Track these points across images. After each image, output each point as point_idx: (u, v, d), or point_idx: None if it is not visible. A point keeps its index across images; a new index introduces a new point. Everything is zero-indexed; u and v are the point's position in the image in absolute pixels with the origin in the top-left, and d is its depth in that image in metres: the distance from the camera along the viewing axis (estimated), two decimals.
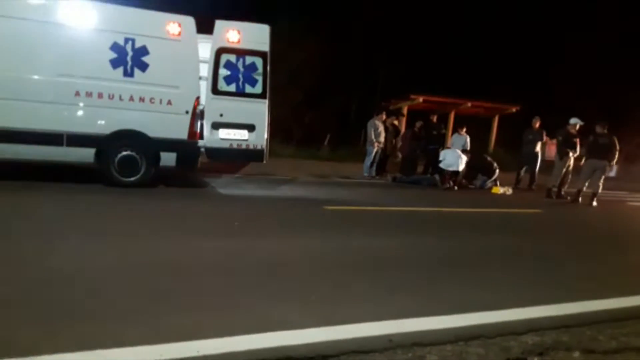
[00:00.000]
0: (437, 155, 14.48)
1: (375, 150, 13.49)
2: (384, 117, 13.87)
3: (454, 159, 12.14)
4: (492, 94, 23.09)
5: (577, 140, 11.64)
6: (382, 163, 14.17)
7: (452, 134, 16.26)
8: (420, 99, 20.23)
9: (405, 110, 20.90)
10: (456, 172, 12.13)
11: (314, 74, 25.19)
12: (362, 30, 27.53)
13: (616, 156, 11.18)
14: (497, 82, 27.23)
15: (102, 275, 3.95)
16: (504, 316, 3.77)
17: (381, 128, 13.56)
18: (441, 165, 12.35)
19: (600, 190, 11.41)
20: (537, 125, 13.45)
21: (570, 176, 11.99)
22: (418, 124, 14.48)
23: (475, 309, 3.84)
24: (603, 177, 11.26)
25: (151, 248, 4.87)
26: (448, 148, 13.49)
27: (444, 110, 21.25)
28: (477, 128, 21.70)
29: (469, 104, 20.93)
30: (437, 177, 12.88)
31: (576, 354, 3.26)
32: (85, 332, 2.91)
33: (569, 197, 11.78)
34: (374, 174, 13.72)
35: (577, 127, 11.65)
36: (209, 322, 3.20)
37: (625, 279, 5.20)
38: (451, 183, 12.13)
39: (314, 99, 25.98)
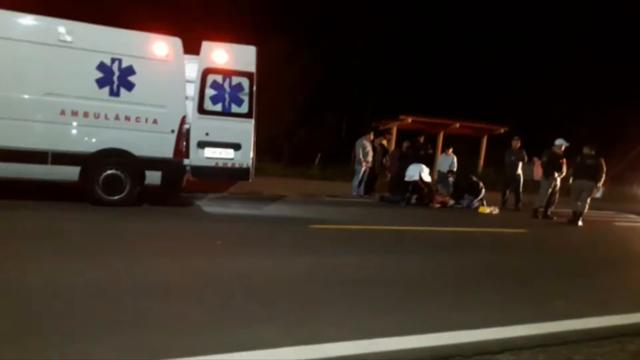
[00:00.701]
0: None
1: (363, 169, 13.56)
2: (371, 136, 13.97)
3: (415, 170, 12.47)
4: (482, 114, 23.37)
5: (563, 160, 11.76)
6: (371, 182, 14.22)
7: (441, 154, 16.39)
8: (410, 120, 20.39)
9: (394, 131, 21.07)
10: (416, 184, 12.39)
11: (305, 93, 25.39)
12: (354, 50, 27.83)
13: (603, 177, 11.30)
14: (487, 103, 27.55)
15: (74, 295, 3.93)
16: (480, 335, 3.77)
17: (369, 148, 13.65)
18: (405, 178, 12.62)
19: (586, 211, 11.51)
20: (518, 146, 13.59)
21: (557, 196, 12.08)
22: (405, 144, 14.58)
23: (453, 328, 3.85)
24: (589, 197, 11.39)
25: (131, 267, 4.84)
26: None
27: (433, 131, 21.43)
28: (467, 148, 21.96)
29: (458, 125, 21.11)
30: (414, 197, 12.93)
31: None
32: (56, 350, 2.91)
33: (555, 217, 11.88)
34: (362, 193, 13.77)
35: (563, 148, 11.77)
36: (181, 341, 3.19)
37: (604, 298, 5.22)
38: (413, 199, 12.50)
39: (305, 118, 26.14)
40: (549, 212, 11.87)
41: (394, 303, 4.44)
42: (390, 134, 18.76)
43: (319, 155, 22.51)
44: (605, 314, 4.51)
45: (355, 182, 13.72)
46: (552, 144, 11.93)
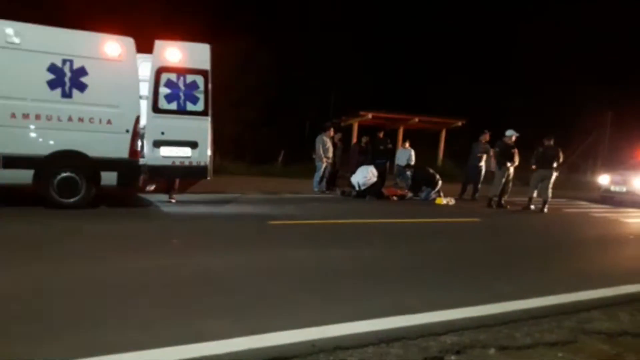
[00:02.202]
0: (385, 170, 14.89)
1: (324, 165, 13.69)
2: (332, 133, 14.10)
3: (358, 176, 12.82)
4: (441, 109, 23.87)
5: (515, 150, 12.19)
6: (332, 178, 14.38)
7: (399, 148, 16.66)
8: (370, 116, 20.69)
9: (355, 127, 21.34)
10: (360, 187, 12.71)
11: (266, 92, 25.36)
12: (314, 48, 27.95)
13: (560, 165, 12.10)
14: (446, 97, 28.11)
15: (28, 295, 3.94)
16: (425, 318, 3.96)
17: (329, 144, 13.78)
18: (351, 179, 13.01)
19: (550, 197, 12.17)
20: (485, 139, 13.93)
21: (510, 185, 12.49)
22: (364, 139, 14.79)
23: (402, 312, 4.03)
24: (550, 184, 12.06)
25: (85, 268, 4.86)
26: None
27: (393, 126, 21.78)
28: (426, 142, 22.41)
29: (417, 119, 21.52)
30: (384, 190, 13.19)
31: (492, 351, 3.46)
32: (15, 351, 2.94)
33: (508, 206, 12.30)
34: (323, 189, 13.90)
35: (513, 138, 12.20)
36: (133, 336, 3.26)
37: (546, 280, 5.50)
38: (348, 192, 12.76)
39: (267, 116, 26.12)
40: (502, 201, 12.26)
41: (346, 292, 4.59)
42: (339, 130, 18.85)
43: (281, 153, 22.56)
44: (545, 294, 4.78)
45: (317, 178, 13.83)
46: (504, 135, 12.35)
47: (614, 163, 20.34)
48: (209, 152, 8.84)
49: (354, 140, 18.78)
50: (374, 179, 12.78)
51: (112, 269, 4.90)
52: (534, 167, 12.31)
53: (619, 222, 11.42)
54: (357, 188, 12.76)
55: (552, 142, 12.13)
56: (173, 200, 9.54)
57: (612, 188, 15.94)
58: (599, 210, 13.36)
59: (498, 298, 4.57)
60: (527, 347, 3.56)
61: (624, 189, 15.54)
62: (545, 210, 12.00)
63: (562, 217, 11.90)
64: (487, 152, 13.72)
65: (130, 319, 3.58)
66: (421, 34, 29.90)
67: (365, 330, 3.64)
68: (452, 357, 3.32)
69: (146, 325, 3.48)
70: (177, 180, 9.57)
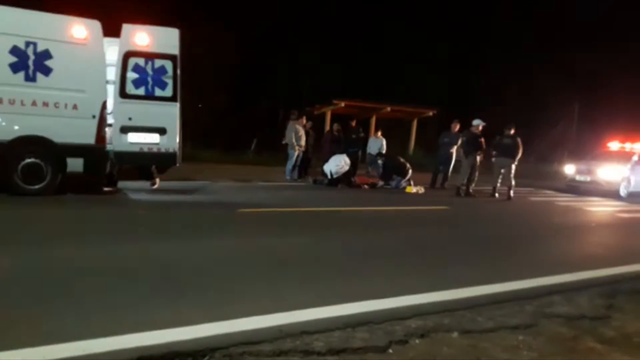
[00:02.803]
0: (357, 158, 14.96)
1: (296, 153, 13.67)
2: (304, 121, 14.08)
3: (330, 165, 12.91)
4: (414, 98, 24.03)
5: (482, 140, 12.39)
6: (304, 166, 14.38)
7: (371, 137, 16.72)
8: (343, 104, 20.70)
9: (328, 115, 21.33)
10: (333, 176, 12.79)
11: (238, 79, 25.11)
12: (287, 35, 27.75)
13: (519, 154, 12.35)
14: (418, 87, 28.29)
15: None
16: (391, 303, 4.03)
17: (302, 132, 13.76)
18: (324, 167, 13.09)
19: (513, 184, 12.55)
20: (456, 129, 14.07)
21: (477, 174, 12.70)
22: (336, 127, 14.82)
23: (368, 298, 4.08)
24: (512, 173, 12.43)
25: (48, 254, 4.78)
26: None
27: (366, 115, 21.85)
28: (398, 131, 22.58)
29: (389, 109, 21.63)
30: (356, 179, 13.28)
31: (455, 335, 3.54)
32: None
33: (476, 195, 12.51)
34: (296, 177, 13.89)
35: (480, 127, 12.40)
36: (97, 322, 3.24)
37: (510, 266, 5.65)
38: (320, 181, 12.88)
39: (240, 103, 25.88)
40: (470, 190, 12.47)
41: (313, 279, 4.62)
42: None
43: (254, 140, 22.42)
44: (508, 280, 4.91)
45: (289, 166, 13.81)
46: (471, 124, 12.56)
47: (580, 154, 20.87)
48: (178, 139, 8.72)
49: (327, 128, 18.78)
50: (347, 168, 12.85)
51: (72, 256, 4.82)
52: (493, 157, 12.70)
53: (582, 210, 11.74)
54: (329, 176, 12.80)
55: (511, 132, 12.47)
56: (156, 186, 9.42)
57: (577, 177, 16.38)
58: (564, 199, 13.71)
59: (463, 283, 4.67)
60: (489, 331, 3.65)
61: (589, 179, 15.99)
62: (512, 195, 12.42)
63: (528, 206, 12.18)
64: (455, 142, 13.85)
65: (89, 307, 3.54)
66: (395, 23, 29.98)
67: (332, 315, 3.68)
68: (417, 341, 3.39)
69: (109, 312, 3.45)
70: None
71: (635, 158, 16.36)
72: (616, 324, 3.99)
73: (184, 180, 11.27)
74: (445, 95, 27.26)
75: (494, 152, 12.70)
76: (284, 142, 14.10)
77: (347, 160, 12.93)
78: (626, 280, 5.32)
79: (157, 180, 9.60)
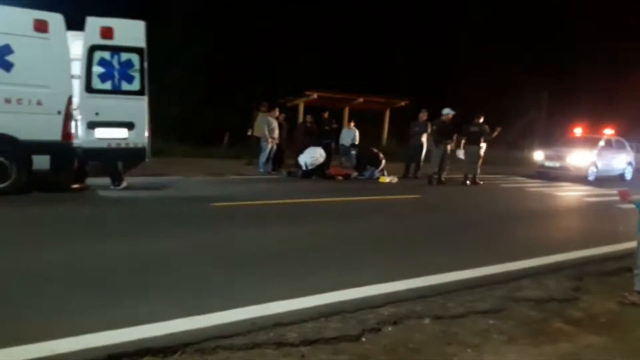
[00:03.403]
0: (330, 150, 14.97)
1: (269, 146, 13.59)
2: (277, 113, 13.99)
3: (301, 160, 12.91)
4: (386, 88, 24.10)
5: (452, 129, 12.55)
6: (278, 158, 14.31)
7: (344, 128, 16.74)
8: (315, 95, 20.62)
9: (302, 107, 21.25)
10: (307, 167, 12.77)
11: (210, 72, 24.78)
12: (259, 28, 27.49)
13: (483, 142, 12.85)
14: (391, 78, 28.39)
15: None
16: (364, 292, 4.05)
17: (274, 124, 13.67)
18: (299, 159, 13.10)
19: (478, 172, 12.90)
20: (424, 118, 14.17)
21: (448, 162, 12.85)
22: (309, 118, 14.79)
23: (342, 287, 4.10)
24: (479, 160, 12.81)
25: (12, 254, 4.67)
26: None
27: (339, 106, 21.83)
28: (372, 122, 22.63)
29: (361, 99, 21.64)
30: (329, 170, 13.29)
31: (427, 321, 3.59)
32: None
33: (447, 183, 12.66)
34: (270, 169, 13.82)
35: (450, 116, 12.55)
36: (67, 322, 3.18)
37: (481, 252, 5.73)
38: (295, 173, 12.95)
39: (212, 97, 25.56)
40: (442, 178, 12.61)
41: (287, 270, 4.64)
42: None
43: (227, 134, 22.18)
44: (479, 265, 4.98)
45: (262, 159, 13.72)
46: (441, 113, 12.72)
47: (549, 140, 21.27)
48: (147, 133, 8.56)
49: (300, 120, 18.71)
50: (321, 160, 12.84)
51: (39, 255, 4.72)
52: (463, 144, 13.13)
53: (551, 195, 11.99)
54: (304, 168, 12.77)
55: (479, 120, 12.84)
56: (125, 184, 9.14)
57: (547, 164, 16.71)
58: (534, 185, 13.97)
59: (435, 270, 4.73)
60: (460, 316, 3.71)
61: (558, 165, 16.34)
62: (468, 183, 12.82)
63: (499, 192, 12.39)
64: (425, 131, 13.97)
65: (57, 306, 3.48)
66: (367, 14, 29.99)
67: (305, 306, 3.69)
68: (389, 328, 3.42)
69: (81, 310, 3.40)
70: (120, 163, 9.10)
71: (601, 143, 16.78)
72: (584, 305, 4.09)
73: (155, 175, 11.08)
74: (417, 85, 27.40)
75: (463, 140, 13.07)
76: (249, 134, 14.07)
77: (323, 153, 12.93)
78: (593, 263, 5.46)
79: (125, 182, 9.19)
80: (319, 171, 12.82)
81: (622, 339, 3.47)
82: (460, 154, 13.34)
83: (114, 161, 8.87)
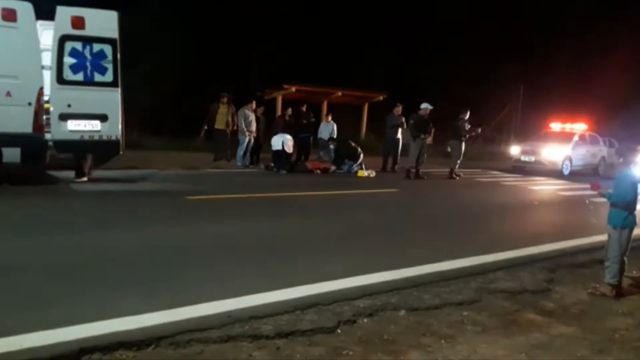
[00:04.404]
0: (308, 143, 14.94)
1: (247, 139, 13.50)
2: (254, 106, 13.88)
3: (278, 140, 12.71)
4: (364, 83, 24.13)
5: (429, 123, 12.64)
6: (255, 152, 14.22)
7: (322, 121, 16.69)
8: (293, 89, 20.58)
9: (279, 100, 21.17)
10: (279, 152, 12.63)
11: (185, 64, 24.46)
12: (234, 19, 27.25)
13: (461, 136, 13.12)
14: (369, 71, 28.44)
15: None
16: (340, 284, 4.06)
17: (252, 117, 13.57)
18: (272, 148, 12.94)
19: (456, 166, 13.15)
20: (399, 112, 14.21)
21: (425, 157, 12.94)
22: (288, 112, 14.73)
23: (319, 280, 4.09)
24: (459, 154, 13.15)
25: None
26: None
27: (317, 100, 21.82)
28: (350, 116, 22.66)
29: (340, 93, 21.67)
30: (307, 164, 13.27)
31: (402, 313, 3.61)
32: None
33: (425, 177, 12.75)
34: (247, 163, 13.73)
35: (427, 111, 12.62)
36: (37, 316, 3.12)
37: (457, 244, 5.78)
38: (275, 168, 12.70)
39: (188, 89, 25.25)
40: (420, 172, 12.69)
41: (263, 264, 4.60)
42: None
43: (204, 127, 21.96)
44: (455, 258, 5.03)
45: (240, 152, 13.62)
46: (419, 108, 12.78)
47: (525, 135, 21.57)
48: (120, 125, 8.41)
49: (278, 113, 18.62)
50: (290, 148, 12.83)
51: (8, 249, 4.62)
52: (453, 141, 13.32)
53: (527, 189, 12.18)
54: (278, 148, 12.61)
55: (466, 117, 13.12)
56: (85, 179, 8.96)
57: (523, 158, 16.95)
58: (509, 179, 14.16)
59: (411, 262, 4.76)
60: (435, 308, 3.75)
61: (533, 159, 16.59)
62: (454, 175, 13.13)
63: (475, 186, 12.52)
64: (400, 125, 14.00)
65: (32, 298, 3.43)
66: (344, 7, 29.96)
67: (280, 299, 3.68)
68: (365, 320, 3.44)
69: (51, 304, 3.35)
70: (89, 156, 8.93)
71: (575, 138, 17.08)
72: (556, 297, 4.17)
73: (129, 168, 10.90)
74: (395, 79, 27.51)
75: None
76: (205, 127, 14.28)
77: (290, 138, 12.89)
78: (566, 255, 5.58)
79: (86, 177, 8.95)
80: (288, 165, 12.77)
81: (592, 329, 3.55)
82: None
83: (86, 154, 8.70)
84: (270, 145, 13.08)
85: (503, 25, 31.35)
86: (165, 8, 22.50)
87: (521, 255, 5.39)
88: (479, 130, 13.22)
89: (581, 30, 30.34)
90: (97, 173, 9.38)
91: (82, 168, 8.85)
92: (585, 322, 3.65)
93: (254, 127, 13.53)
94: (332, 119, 15.66)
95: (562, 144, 16.62)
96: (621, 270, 4.27)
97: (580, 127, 18.06)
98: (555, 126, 18.54)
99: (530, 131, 21.75)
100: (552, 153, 16.32)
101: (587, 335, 3.42)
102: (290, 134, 13.68)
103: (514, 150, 17.73)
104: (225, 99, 13.80)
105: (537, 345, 3.22)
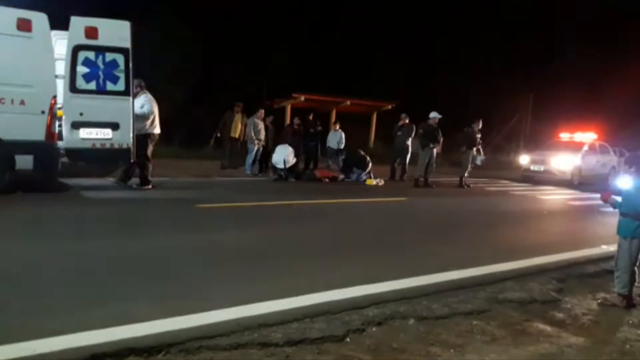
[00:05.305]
0: (316, 151, 14.98)
1: (256, 148, 13.58)
2: (262, 115, 13.97)
3: (279, 157, 12.58)
4: (372, 92, 24.19)
5: (438, 132, 12.65)
6: (264, 160, 14.29)
7: (330, 130, 16.74)
8: (302, 98, 20.72)
9: (288, 109, 21.29)
10: (282, 169, 12.52)
11: (197, 72, 24.67)
12: (247, 29, 27.46)
13: (470, 144, 13.16)
14: (377, 80, 28.50)
15: None
16: (349, 293, 4.06)
17: (260, 126, 13.66)
18: (272, 161, 12.88)
19: (465, 174, 13.24)
20: (405, 121, 14.22)
21: (434, 166, 12.94)
22: (296, 121, 14.79)
23: (325, 289, 4.10)
24: (467, 163, 13.20)
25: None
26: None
27: (326, 109, 21.92)
28: (358, 124, 22.70)
29: (348, 102, 21.77)
30: (316, 172, 13.30)
31: (411, 322, 3.61)
32: None
33: (434, 186, 12.74)
34: (256, 171, 13.80)
35: (437, 120, 12.63)
36: (50, 322, 3.14)
37: (465, 254, 5.78)
38: (282, 174, 12.60)
39: (198, 98, 25.44)
40: (428, 181, 12.69)
41: (272, 271, 4.63)
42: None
43: (214, 135, 22.07)
44: (464, 267, 5.02)
45: (249, 160, 13.70)
46: (428, 117, 12.79)
47: (534, 144, 21.46)
48: (132, 134, 8.51)
49: (288, 122, 18.72)
50: (293, 160, 12.79)
51: (22, 254, 4.67)
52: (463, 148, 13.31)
53: (536, 199, 12.12)
54: (281, 166, 12.57)
55: (478, 127, 13.22)
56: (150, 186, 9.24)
57: (532, 167, 16.88)
58: (518, 189, 14.10)
59: (420, 272, 4.75)
60: (444, 317, 3.75)
61: (542, 168, 16.52)
62: (463, 183, 13.18)
63: (484, 195, 12.49)
64: (409, 134, 13.93)
65: (44, 304, 3.46)
66: (354, 18, 30.10)
67: (290, 307, 3.69)
68: (374, 329, 3.44)
69: (63, 310, 3.38)
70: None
71: (585, 148, 16.98)
72: (566, 307, 4.15)
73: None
74: (404, 88, 27.55)
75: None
76: (218, 135, 14.39)
77: (291, 149, 12.86)
78: (576, 265, 5.54)
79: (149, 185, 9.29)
80: (294, 173, 12.78)
81: (603, 340, 3.53)
82: (478, 159, 13.52)
83: (98, 161, 8.81)
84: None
85: (513, 34, 31.37)
86: (176, 17, 22.72)
87: (530, 265, 5.35)
88: (480, 142, 13.29)
89: (591, 38, 30.28)
90: (108, 181, 9.49)
91: (129, 174, 9.25)
92: (596, 333, 3.63)
93: (262, 135, 13.62)
94: (340, 128, 15.70)
95: (572, 154, 16.52)
96: (632, 281, 4.25)
97: (590, 136, 17.96)
98: (565, 136, 18.46)
99: (539, 140, 21.65)
100: (562, 162, 16.23)
101: (597, 346, 3.40)
102: (299, 142, 13.74)
103: (524, 159, 17.66)
104: (238, 108, 13.90)
105: (547, 355, 3.21)
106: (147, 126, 9.18)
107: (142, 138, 9.03)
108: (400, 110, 15.60)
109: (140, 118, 8.96)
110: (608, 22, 30.32)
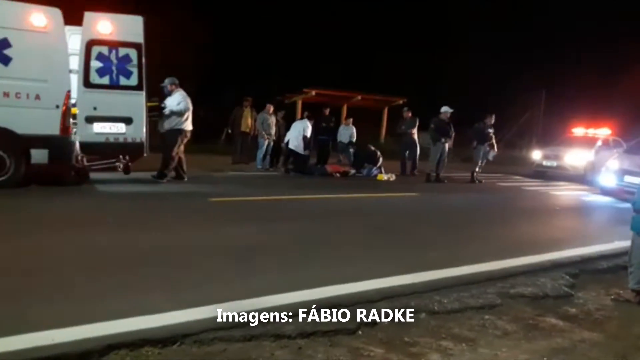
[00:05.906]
0: (328, 146, 14.99)
1: (266, 142, 13.63)
2: (271, 109, 13.98)
3: (294, 133, 12.86)
4: (383, 86, 24.13)
5: (450, 127, 12.60)
6: (275, 154, 14.33)
7: (341, 125, 16.74)
8: (313, 93, 20.69)
9: (300, 104, 21.29)
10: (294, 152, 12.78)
11: (206, 68, 24.76)
12: (255, 23, 27.50)
13: (482, 139, 13.19)
14: (388, 75, 28.42)
15: None
16: (360, 287, 4.07)
17: (270, 120, 13.71)
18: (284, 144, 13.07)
19: (476, 169, 13.27)
20: (408, 116, 14.15)
21: (446, 161, 12.90)
22: (307, 115, 14.79)
23: (339, 282, 4.11)
24: (478, 158, 13.20)
25: (14, 245, 4.67)
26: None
27: (337, 103, 21.88)
28: (370, 119, 22.67)
29: (359, 97, 21.72)
30: (327, 167, 13.31)
31: (422, 316, 3.62)
32: None
33: (446, 181, 12.70)
34: (267, 166, 13.86)
35: (448, 114, 12.58)
36: (67, 312, 3.20)
37: (477, 249, 5.77)
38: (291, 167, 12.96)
39: (209, 93, 25.55)
40: (440, 176, 12.65)
41: (285, 265, 4.66)
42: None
43: (225, 130, 22.15)
44: (475, 262, 5.01)
45: (260, 155, 13.77)
46: (439, 111, 12.77)
47: (547, 139, 21.29)
48: (145, 128, 8.58)
49: (299, 117, 18.74)
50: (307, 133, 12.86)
51: (39, 246, 4.74)
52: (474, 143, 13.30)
53: (548, 194, 12.04)
54: (296, 144, 12.70)
55: (491, 121, 13.21)
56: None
57: (544, 163, 16.77)
58: (531, 184, 14.02)
59: (431, 266, 4.75)
60: (455, 312, 3.75)
61: (555, 164, 16.39)
62: (474, 178, 13.20)
63: (496, 191, 12.43)
64: (413, 127, 13.90)
65: (57, 297, 3.50)
66: (366, 12, 30.08)
67: (301, 299, 3.71)
68: (386, 322, 3.45)
69: (80, 301, 3.43)
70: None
71: (599, 143, 16.81)
72: (578, 302, 4.14)
73: (153, 170, 11.05)
74: (414, 83, 27.46)
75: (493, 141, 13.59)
76: (229, 130, 14.60)
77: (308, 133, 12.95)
78: (589, 261, 5.50)
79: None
80: (305, 167, 12.89)
81: (616, 335, 3.51)
82: (490, 154, 13.52)
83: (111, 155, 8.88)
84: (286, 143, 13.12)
85: (525, 29, 31.12)
86: (185, 11, 22.78)
87: (542, 261, 5.33)
88: (492, 139, 13.25)
89: (605, 33, 29.95)
90: (119, 174, 9.54)
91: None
92: (609, 328, 3.62)
93: (273, 130, 13.66)
94: (352, 123, 15.69)
95: (585, 149, 16.36)
96: None
97: (604, 132, 17.77)
98: (578, 131, 18.29)
99: (552, 136, 21.47)
100: (575, 158, 16.09)
101: (610, 342, 3.39)
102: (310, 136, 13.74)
103: (536, 155, 17.53)
104: (247, 103, 13.96)
105: (559, 350, 3.20)
106: (181, 122, 9.35)
107: (173, 133, 9.23)
108: (411, 105, 15.55)
109: (176, 114, 9.22)
110: (622, 16, 29.94)
